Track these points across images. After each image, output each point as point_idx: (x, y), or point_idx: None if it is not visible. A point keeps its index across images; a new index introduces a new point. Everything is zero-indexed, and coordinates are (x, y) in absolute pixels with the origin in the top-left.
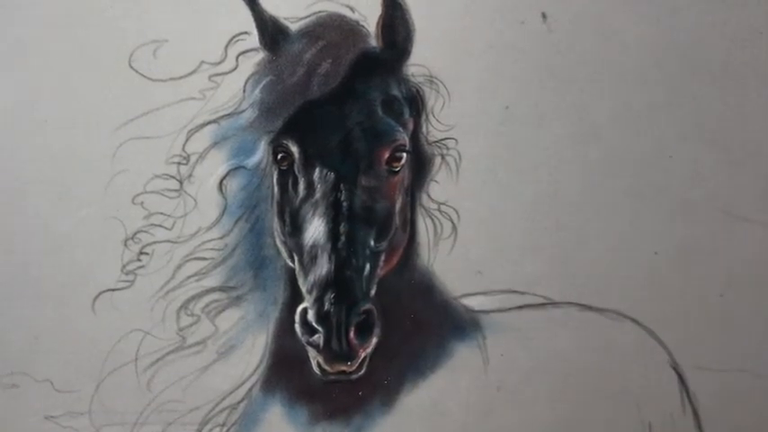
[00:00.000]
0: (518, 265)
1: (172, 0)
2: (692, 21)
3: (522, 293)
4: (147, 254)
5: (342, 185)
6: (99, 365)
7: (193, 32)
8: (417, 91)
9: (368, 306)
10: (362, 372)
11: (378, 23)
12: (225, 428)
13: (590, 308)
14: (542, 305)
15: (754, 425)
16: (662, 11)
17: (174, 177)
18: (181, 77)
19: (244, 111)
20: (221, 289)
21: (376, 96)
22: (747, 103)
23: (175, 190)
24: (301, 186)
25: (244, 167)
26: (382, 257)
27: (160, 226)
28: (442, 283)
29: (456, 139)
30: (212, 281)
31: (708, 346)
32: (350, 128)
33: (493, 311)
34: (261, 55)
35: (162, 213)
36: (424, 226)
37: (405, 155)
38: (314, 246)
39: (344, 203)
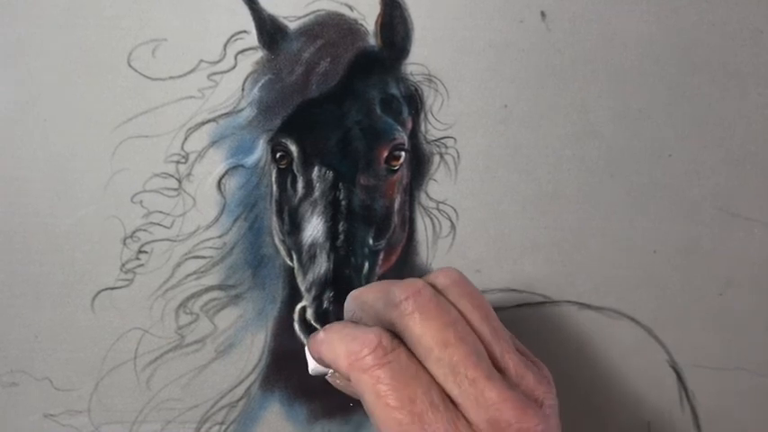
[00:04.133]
0: (517, 263)
1: None
2: (692, 20)
3: (521, 292)
4: (146, 252)
5: (340, 184)
6: (98, 364)
7: (192, 31)
8: (416, 90)
9: None
10: None
11: (376, 22)
12: (224, 426)
13: (588, 306)
14: (541, 303)
15: (752, 424)
16: (662, 10)
17: (172, 176)
18: (180, 76)
19: (242, 109)
20: (220, 287)
21: (374, 95)
22: (747, 102)
23: (174, 189)
24: (300, 185)
25: (242, 166)
26: (381, 256)
27: (159, 224)
28: None
29: (455, 138)
30: (211, 279)
31: (707, 344)
32: (348, 127)
33: None
34: (260, 54)
35: (161, 212)
36: (422, 225)
37: (403, 154)
38: (312, 244)
39: (343, 202)
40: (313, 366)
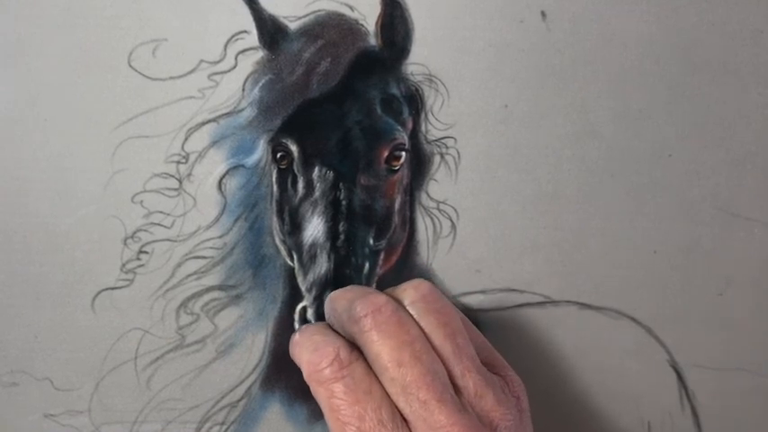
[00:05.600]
0: (517, 263)
1: None
2: (692, 20)
3: (521, 292)
4: (146, 252)
5: (341, 184)
6: (98, 364)
7: (193, 31)
8: (416, 90)
9: None
10: None
11: (377, 22)
12: (224, 427)
13: (589, 306)
14: (541, 304)
15: (753, 424)
16: (662, 10)
17: (173, 176)
18: (180, 76)
19: (243, 109)
20: (220, 287)
21: (375, 95)
22: (747, 102)
23: (175, 189)
24: (300, 185)
25: (243, 166)
26: (381, 256)
27: (159, 225)
28: (441, 281)
29: (455, 138)
30: (211, 279)
31: (707, 344)
32: (349, 127)
33: (492, 310)
34: (260, 54)
35: (161, 212)
36: (423, 225)
37: (404, 154)
38: (313, 244)
39: (343, 202)
40: None
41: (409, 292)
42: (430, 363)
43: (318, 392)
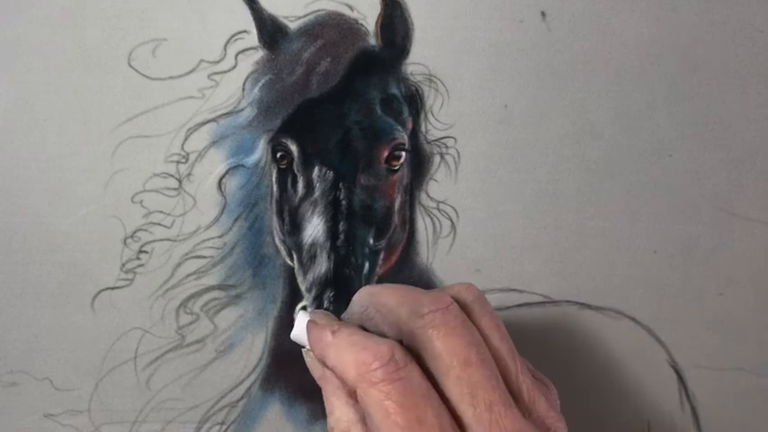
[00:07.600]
0: (517, 263)
1: None
2: (692, 20)
3: (521, 292)
4: (146, 252)
5: (341, 184)
6: (98, 364)
7: (192, 31)
8: (416, 90)
9: None
10: None
11: (377, 22)
12: (224, 426)
13: (589, 306)
14: (541, 303)
15: (752, 424)
16: (662, 10)
17: (173, 176)
18: (180, 76)
19: (243, 109)
20: (220, 287)
21: (375, 95)
22: (748, 101)
23: (174, 189)
24: (300, 185)
25: (243, 166)
26: (381, 256)
27: (159, 224)
28: (441, 281)
29: (455, 138)
30: (211, 279)
31: (707, 344)
32: (349, 127)
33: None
34: (260, 53)
35: (161, 212)
36: (422, 224)
37: (404, 153)
38: (313, 244)
39: (343, 202)
40: (296, 333)
41: (465, 294)
42: (492, 366)
43: (370, 394)
